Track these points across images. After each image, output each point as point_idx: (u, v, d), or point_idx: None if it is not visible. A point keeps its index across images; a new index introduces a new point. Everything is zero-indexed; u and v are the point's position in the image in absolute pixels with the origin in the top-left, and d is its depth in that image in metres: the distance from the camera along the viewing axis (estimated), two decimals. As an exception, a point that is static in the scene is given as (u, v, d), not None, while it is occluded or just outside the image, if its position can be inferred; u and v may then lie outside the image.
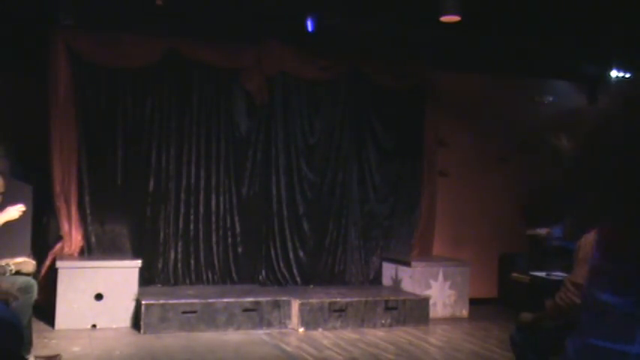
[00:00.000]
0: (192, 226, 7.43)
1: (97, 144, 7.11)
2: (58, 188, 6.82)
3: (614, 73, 8.75)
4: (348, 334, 6.62)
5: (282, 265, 7.69)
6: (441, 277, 7.67)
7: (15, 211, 4.64)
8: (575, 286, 3.50)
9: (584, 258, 3.50)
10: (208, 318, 6.48)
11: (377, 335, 6.62)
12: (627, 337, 1.35)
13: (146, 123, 7.27)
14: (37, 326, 5.91)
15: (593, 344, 1.42)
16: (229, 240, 7.57)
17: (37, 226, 6.84)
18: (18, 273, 4.74)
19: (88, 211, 7.05)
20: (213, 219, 7.50)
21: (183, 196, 7.40)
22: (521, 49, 7.75)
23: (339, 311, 6.79)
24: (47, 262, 6.66)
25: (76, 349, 5.67)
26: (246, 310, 6.63)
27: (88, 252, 7.03)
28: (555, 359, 3.89)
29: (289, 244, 7.74)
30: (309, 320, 6.70)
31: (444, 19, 6.14)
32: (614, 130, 1.37)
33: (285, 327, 6.70)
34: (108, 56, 7.00)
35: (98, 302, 6.47)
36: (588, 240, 3.58)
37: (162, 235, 7.32)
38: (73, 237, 6.90)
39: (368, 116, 8.10)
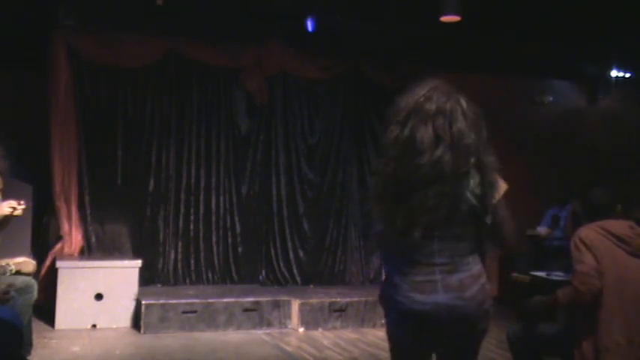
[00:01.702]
0: (192, 226, 7.43)
1: (97, 144, 7.11)
2: (58, 188, 6.82)
3: (614, 73, 8.77)
4: (348, 334, 6.62)
5: (282, 265, 7.69)
6: (441, 277, 7.67)
7: (7, 207, 4.44)
8: (596, 271, 3.51)
9: (591, 247, 3.52)
10: (208, 318, 6.48)
11: (377, 335, 6.62)
12: None
13: (146, 123, 7.28)
14: (37, 326, 5.90)
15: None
16: (229, 240, 7.57)
17: (37, 226, 6.84)
18: (18, 273, 4.73)
19: (88, 211, 7.05)
20: (213, 219, 7.50)
21: (183, 196, 7.40)
22: (521, 49, 7.75)
23: (339, 311, 6.78)
24: (47, 262, 6.66)
25: (76, 349, 5.67)
26: (246, 310, 6.63)
27: (88, 252, 7.03)
28: (552, 359, 3.89)
29: (289, 244, 7.74)
30: (309, 320, 6.69)
31: (444, 19, 6.14)
32: None
33: (285, 327, 6.69)
34: (108, 56, 7.00)
35: (98, 302, 6.46)
36: (590, 234, 3.60)
37: (162, 235, 7.33)
38: (73, 237, 6.90)
39: (368, 116, 8.10)
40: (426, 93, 2.44)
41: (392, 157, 2.40)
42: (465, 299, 2.37)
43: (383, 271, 2.69)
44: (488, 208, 2.41)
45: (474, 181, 2.41)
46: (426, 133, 2.37)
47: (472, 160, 2.41)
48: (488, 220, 2.43)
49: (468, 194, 2.39)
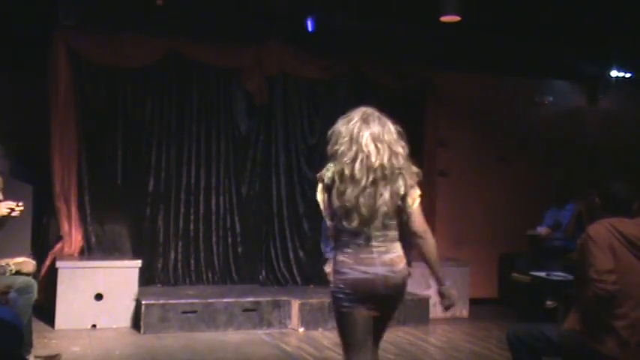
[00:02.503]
0: (192, 226, 7.42)
1: (97, 144, 7.11)
2: (58, 188, 6.82)
3: (614, 73, 8.77)
4: (348, 334, 6.61)
5: (282, 265, 7.69)
6: (441, 277, 7.67)
7: (5, 208, 4.45)
8: (610, 272, 3.49)
9: (603, 246, 3.50)
10: (208, 318, 6.48)
11: (377, 335, 6.61)
12: None
13: (146, 123, 7.27)
14: (37, 326, 5.90)
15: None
16: (229, 240, 7.57)
17: (37, 226, 6.84)
18: (18, 273, 4.72)
19: (88, 211, 7.05)
20: (213, 219, 7.50)
21: (183, 196, 7.40)
22: (521, 49, 7.75)
23: (339, 311, 6.77)
24: (47, 262, 6.66)
25: (76, 349, 5.67)
26: (246, 310, 6.63)
27: (88, 252, 7.02)
28: (550, 359, 3.89)
29: (289, 244, 7.73)
30: (309, 320, 6.69)
31: (444, 19, 6.14)
32: None
33: (285, 327, 6.69)
34: (108, 56, 7.00)
35: (98, 302, 6.47)
36: (600, 231, 3.57)
37: (162, 235, 7.32)
38: (73, 237, 6.90)
39: (368, 116, 8.08)
40: (364, 117, 3.38)
41: (350, 165, 3.20)
42: (395, 272, 3.24)
43: (327, 255, 3.43)
44: (407, 206, 3.23)
45: (400, 185, 3.22)
46: (372, 148, 3.21)
47: (399, 169, 3.22)
48: (407, 215, 3.25)
49: (395, 196, 3.20)
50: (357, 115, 3.41)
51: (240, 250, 7.60)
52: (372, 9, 6.76)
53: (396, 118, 9.16)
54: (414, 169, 3.30)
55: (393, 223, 3.25)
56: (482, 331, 6.96)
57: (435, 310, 7.51)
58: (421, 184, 3.23)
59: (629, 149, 8.83)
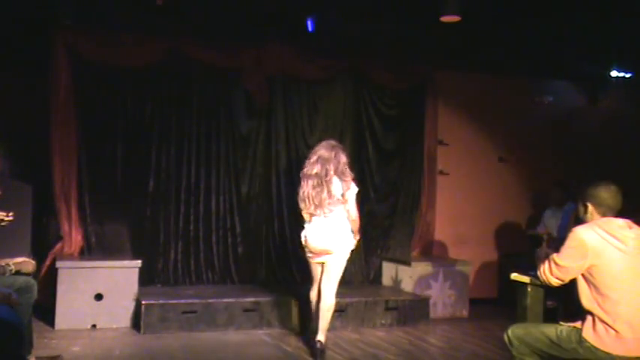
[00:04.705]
0: (192, 226, 7.42)
1: (97, 144, 7.10)
2: (58, 188, 6.81)
3: (614, 73, 8.76)
4: (348, 334, 6.62)
5: (282, 265, 7.69)
6: (441, 277, 7.67)
7: None
8: (558, 277, 3.66)
9: (576, 252, 3.55)
10: (208, 318, 6.48)
11: (377, 335, 6.62)
12: None
13: (146, 123, 7.27)
14: (37, 326, 5.90)
15: None
16: (229, 240, 7.56)
17: (37, 226, 6.83)
18: (18, 273, 4.73)
19: (88, 211, 7.04)
20: (213, 219, 7.50)
21: (183, 196, 7.39)
22: (521, 49, 7.74)
23: (339, 311, 6.77)
24: (47, 262, 6.66)
25: (76, 349, 5.68)
26: (246, 310, 6.63)
27: (88, 252, 7.02)
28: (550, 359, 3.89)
29: (289, 244, 7.73)
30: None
31: (444, 19, 6.14)
32: None
33: (285, 327, 6.69)
34: (108, 56, 6.99)
35: (98, 302, 6.47)
36: (587, 236, 3.59)
37: (162, 235, 7.32)
38: (73, 237, 6.89)
39: (368, 116, 8.10)
40: (322, 145, 5.66)
41: (309, 176, 5.58)
42: (332, 239, 5.51)
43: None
44: (346, 198, 5.51)
45: (341, 185, 5.49)
46: (321, 166, 5.53)
47: (330, 176, 5.48)
48: (347, 206, 5.53)
49: (339, 191, 5.49)
50: (318, 145, 5.73)
51: (240, 250, 7.60)
52: (372, 9, 6.75)
53: (396, 117, 9.16)
54: (349, 176, 5.54)
55: (338, 209, 5.49)
56: (482, 331, 6.96)
57: (435, 310, 7.52)
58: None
59: (629, 149, 8.82)
